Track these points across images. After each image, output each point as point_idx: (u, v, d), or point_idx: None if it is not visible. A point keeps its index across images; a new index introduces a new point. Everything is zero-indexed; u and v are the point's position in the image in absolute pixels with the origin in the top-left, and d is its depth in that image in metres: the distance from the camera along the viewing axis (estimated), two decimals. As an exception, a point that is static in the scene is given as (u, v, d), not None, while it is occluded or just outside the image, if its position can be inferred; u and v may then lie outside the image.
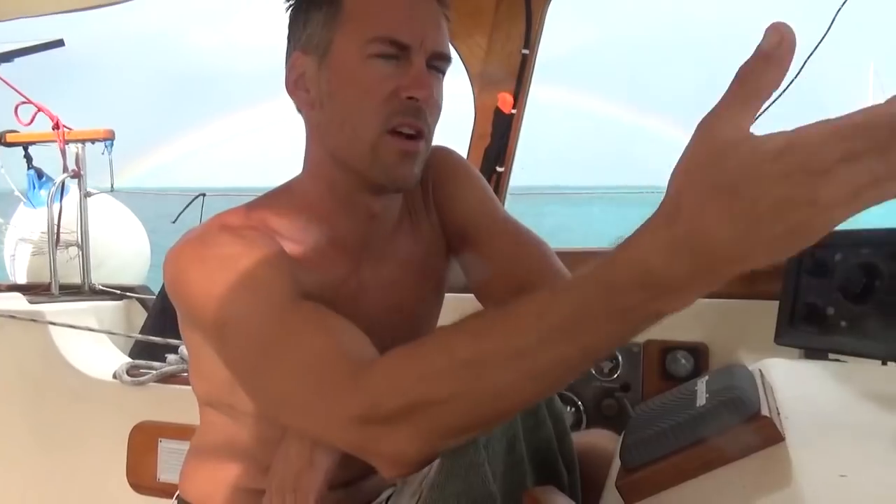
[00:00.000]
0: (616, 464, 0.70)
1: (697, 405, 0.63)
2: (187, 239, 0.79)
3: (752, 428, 0.58)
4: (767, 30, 0.42)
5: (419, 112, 0.77)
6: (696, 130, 0.44)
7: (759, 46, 0.42)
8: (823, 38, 1.33)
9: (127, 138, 2.54)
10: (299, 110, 0.87)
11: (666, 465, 0.61)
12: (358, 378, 0.61)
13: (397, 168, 0.78)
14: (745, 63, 0.43)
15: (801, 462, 0.54)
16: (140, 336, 2.15)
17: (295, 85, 0.83)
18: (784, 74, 0.42)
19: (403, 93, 0.76)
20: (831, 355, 1.13)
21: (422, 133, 0.79)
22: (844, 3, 1.29)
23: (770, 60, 0.41)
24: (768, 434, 0.58)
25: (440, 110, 0.82)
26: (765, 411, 0.60)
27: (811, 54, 1.40)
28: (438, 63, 0.80)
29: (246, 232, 0.78)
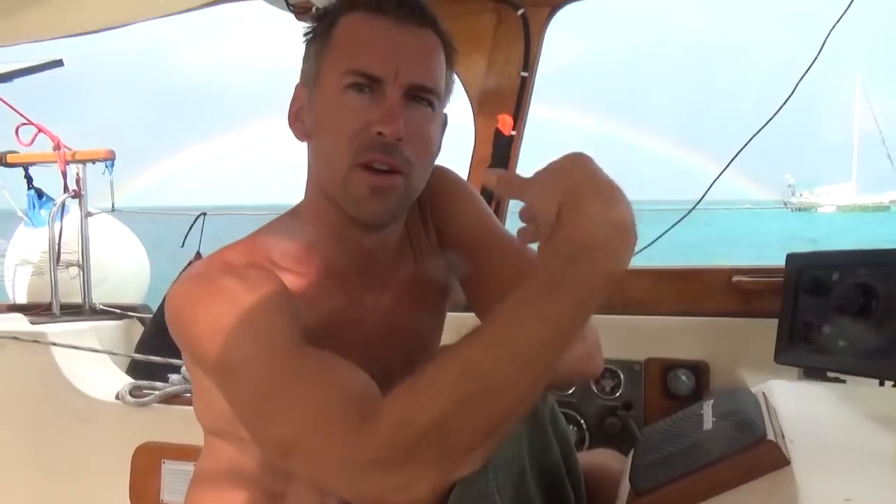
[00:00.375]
0: (625, 486, 0.71)
1: (704, 428, 0.65)
2: (190, 277, 0.79)
3: (758, 452, 0.60)
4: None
5: (389, 147, 0.75)
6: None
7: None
8: (813, 62, 1.36)
9: (120, 155, 2.55)
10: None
11: (675, 489, 0.62)
12: (362, 425, 0.61)
13: (367, 203, 0.77)
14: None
15: (807, 486, 0.55)
16: (141, 357, 2.15)
17: (295, 117, 0.84)
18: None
19: (373, 127, 0.75)
20: (830, 374, 1.15)
21: (396, 168, 0.77)
22: (833, 28, 1.32)
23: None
24: (774, 458, 0.59)
25: (427, 142, 0.80)
26: (770, 435, 0.62)
27: (802, 77, 1.43)
28: (422, 94, 0.78)
29: (248, 271, 0.78)
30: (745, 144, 1.50)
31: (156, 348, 2.03)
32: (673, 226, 1.55)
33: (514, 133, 1.59)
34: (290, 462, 0.67)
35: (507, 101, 1.60)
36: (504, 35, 1.60)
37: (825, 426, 0.71)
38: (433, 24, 0.81)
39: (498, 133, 1.59)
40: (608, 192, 0.57)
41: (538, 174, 0.61)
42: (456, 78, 0.88)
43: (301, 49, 0.86)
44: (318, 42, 0.81)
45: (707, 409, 0.69)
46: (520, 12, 1.55)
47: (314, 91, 0.80)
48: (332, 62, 0.78)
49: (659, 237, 1.41)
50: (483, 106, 1.63)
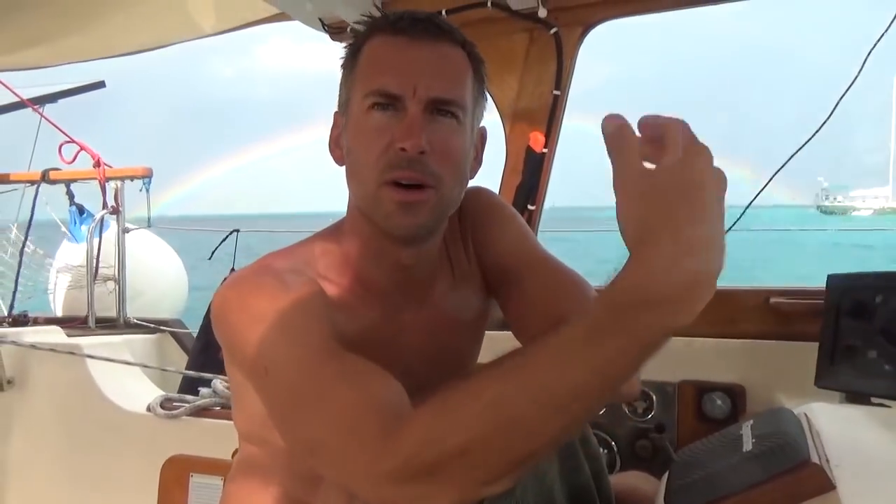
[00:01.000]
0: (659, 508, 0.69)
1: (744, 450, 0.62)
2: (234, 280, 0.81)
3: (802, 475, 0.57)
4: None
5: (413, 162, 0.76)
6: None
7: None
8: (854, 80, 1.33)
9: (153, 165, 2.61)
10: None
11: (713, 512, 0.60)
12: (390, 434, 0.61)
13: (397, 217, 0.78)
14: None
15: None
16: (174, 370, 2.18)
17: (334, 143, 0.87)
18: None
19: (396, 144, 0.76)
20: (874, 400, 1.10)
21: (423, 183, 0.77)
22: (875, 45, 1.30)
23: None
24: (819, 482, 0.57)
25: (454, 154, 0.80)
26: (815, 458, 0.59)
27: (843, 95, 1.41)
28: (445, 107, 0.78)
29: (289, 276, 0.80)
30: (782, 166, 1.48)
31: (203, 364, 2.05)
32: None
33: (545, 151, 1.59)
34: (317, 462, 0.68)
35: (538, 120, 1.60)
36: (536, 55, 1.60)
37: (871, 450, 0.68)
38: (450, 36, 0.81)
39: (529, 151, 1.59)
40: (694, 232, 0.50)
41: (652, 170, 0.53)
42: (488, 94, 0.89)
43: (325, 62, 0.88)
44: (346, 70, 0.83)
45: (746, 429, 0.67)
46: (552, 31, 1.55)
47: (346, 116, 0.83)
48: (358, 86, 0.80)
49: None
50: (515, 124, 1.63)
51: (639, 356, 0.54)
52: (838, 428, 0.73)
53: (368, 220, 0.82)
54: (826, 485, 0.56)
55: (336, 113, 0.86)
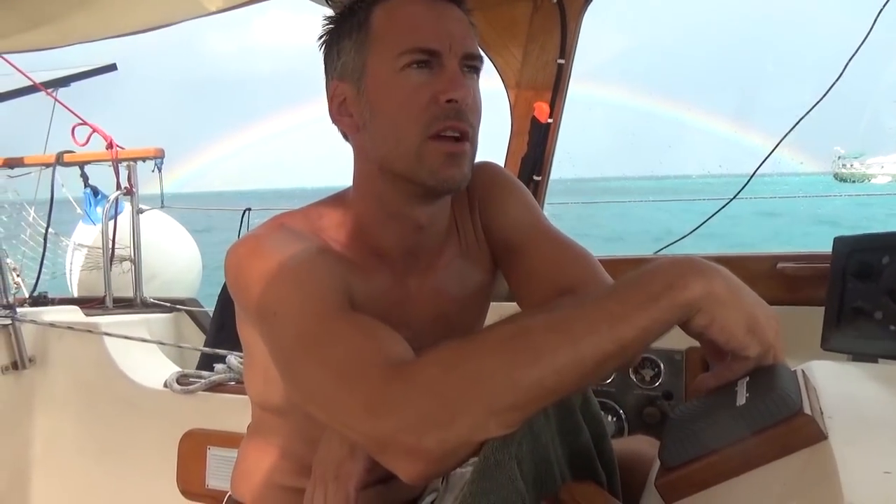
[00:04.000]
0: (656, 464, 0.70)
1: (738, 404, 0.63)
2: (248, 236, 0.84)
3: (793, 426, 0.58)
4: None
5: (460, 113, 0.79)
6: None
7: None
8: (861, 45, 1.31)
9: (162, 144, 2.63)
10: (345, 136, 0.90)
11: (705, 465, 0.61)
12: (391, 379, 0.63)
13: (445, 170, 0.80)
14: None
15: (845, 460, 0.53)
16: (190, 346, 2.22)
17: (338, 112, 0.86)
18: None
19: (442, 97, 0.78)
20: (882, 360, 1.10)
21: (466, 134, 0.80)
22: (883, 8, 1.27)
23: None
24: (810, 432, 0.57)
25: (480, 111, 0.83)
26: (807, 409, 0.60)
27: (851, 58, 1.38)
28: (471, 63, 0.82)
29: (303, 233, 0.83)
30: (789, 131, 1.46)
31: (220, 342, 2.08)
32: (713, 214, 1.51)
33: (550, 121, 1.58)
34: (313, 405, 0.69)
35: (543, 90, 1.59)
36: (540, 24, 1.59)
37: (868, 403, 0.68)
38: (460, 2, 0.84)
39: (535, 121, 1.58)
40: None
41: None
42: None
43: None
44: (355, 37, 0.83)
45: (742, 385, 0.67)
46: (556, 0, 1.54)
47: (362, 82, 0.82)
48: (381, 50, 0.80)
49: (694, 230, 1.38)
50: (520, 94, 1.62)
51: (655, 328, 0.62)
52: (835, 383, 0.73)
53: (395, 180, 0.83)
54: (818, 435, 0.56)
55: (335, 81, 0.85)
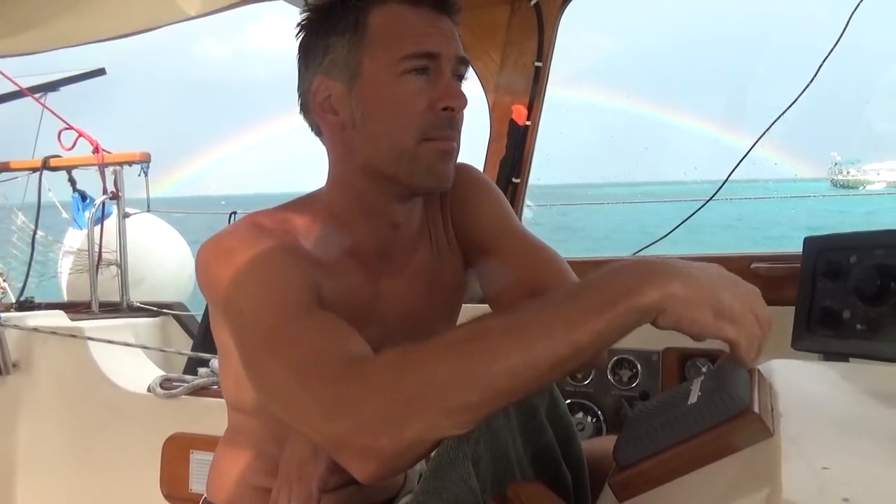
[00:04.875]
0: (613, 463, 0.70)
1: (689, 402, 0.63)
2: (219, 233, 0.85)
3: (740, 424, 0.58)
4: None
5: (453, 122, 0.83)
6: None
7: None
8: (834, 46, 1.32)
9: (155, 149, 2.64)
10: (318, 132, 0.90)
11: (657, 462, 0.61)
12: (348, 378, 0.63)
13: (440, 167, 0.83)
14: None
15: (788, 456, 0.54)
16: (174, 350, 2.22)
17: (320, 108, 0.86)
18: None
19: (439, 104, 0.81)
20: (853, 360, 1.11)
21: (455, 137, 0.85)
22: (855, 9, 1.28)
23: None
24: (757, 430, 0.58)
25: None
26: (755, 408, 0.60)
27: (825, 59, 1.39)
28: (460, 69, 0.86)
29: (274, 231, 0.84)
30: (766, 130, 1.47)
31: (207, 347, 2.08)
32: (691, 215, 1.52)
33: (528, 123, 1.59)
34: (277, 406, 0.69)
35: (521, 92, 1.60)
36: (517, 27, 1.60)
37: (824, 401, 0.69)
38: (452, 15, 0.87)
39: (513, 124, 1.59)
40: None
41: None
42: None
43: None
44: (349, 36, 0.83)
45: (696, 384, 0.67)
46: (533, 2, 1.55)
47: (355, 82, 0.83)
48: (380, 53, 0.81)
49: (670, 232, 1.39)
50: (498, 97, 1.63)
51: (610, 332, 0.62)
52: (795, 381, 0.73)
53: (378, 178, 0.85)
54: (764, 432, 0.57)
55: (320, 77, 0.85)
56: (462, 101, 0.83)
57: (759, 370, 0.73)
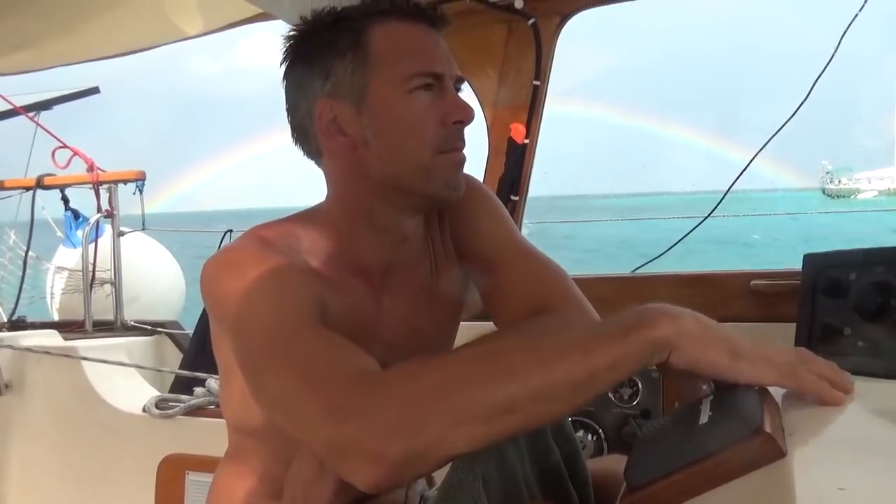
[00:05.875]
0: (624, 484, 0.70)
1: (700, 423, 0.63)
2: (224, 248, 0.86)
3: (752, 444, 0.58)
4: None
5: (461, 133, 0.87)
6: None
7: None
8: (829, 61, 1.34)
9: (149, 166, 2.64)
10: (317, 154, 0.89)
11: (668, 483, 0.61)
12: (353, 391, 0.63)
13: (454, 177, 0.86)
14: None
15: (802, 476, 0.53)
16: (168, 370, 2.20)
17: (327, 130, 0.85)
18: None
19: (449, 118, 0.84)
20: (854, 377, 1.11)
21: (463, 147, 0.88)
22: (850, 25, 1.30)
23: None
24: (770, 449, 0.58)
25: None
26: (767, 427, 0.60)
27: (819, 75, 1.41)
28: (459, 85, 0.88)
29: (279, 245, 0.84)
30: (761, 149, 1.49)
31: (199, 365, 2.05)
32: (690, 231, 1.53)
33: (527, 141, 1.60)
34: (278, 416, 0.69)
35: (519, 111, 1.61)
36: (515, 46, 1.61)
37: (832, 420, 0.69)
38: (443, 30, 0.89)
39: (511, 142, 1.60)
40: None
41: None
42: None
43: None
44: (350, 56, 0.83)
45: (705, 404, 0.67)
46: (530, 22, 1.56)
47: (364, 103, 0.83)
48: (386, 72, 0.82)
49: (670, 248, 1.39)
50: (496, 116, 1.64)
51: (627, 365, 0.63)
52: (801, 400, 0.74)
53: (391, 194, 0.86)
54: (777, 452, 0.57)
55: (324, 100, 0.84)
56: (470, 113, 0.85)
57: (767, 389, 0.73)
